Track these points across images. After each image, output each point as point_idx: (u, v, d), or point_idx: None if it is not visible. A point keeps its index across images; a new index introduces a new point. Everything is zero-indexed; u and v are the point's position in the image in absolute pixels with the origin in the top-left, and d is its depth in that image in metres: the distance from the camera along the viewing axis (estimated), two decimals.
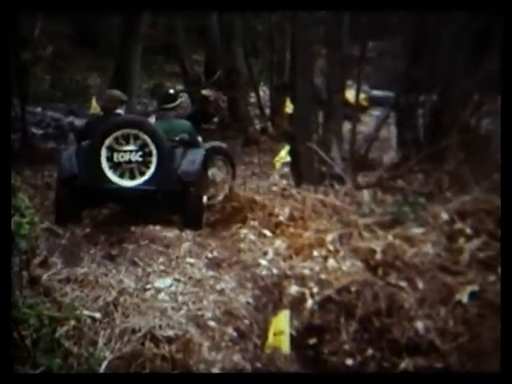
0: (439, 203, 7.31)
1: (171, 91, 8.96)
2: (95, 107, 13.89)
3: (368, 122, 12.99)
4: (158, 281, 6.36)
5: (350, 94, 10.52)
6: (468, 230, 6.42)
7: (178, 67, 16.84)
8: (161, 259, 6.84)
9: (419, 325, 5.42)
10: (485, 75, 9.91)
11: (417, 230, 6.62)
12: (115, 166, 7.65)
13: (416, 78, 10.58)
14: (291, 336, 5.42)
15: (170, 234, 7.61)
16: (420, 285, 5.77)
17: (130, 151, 7.66)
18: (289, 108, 11.79)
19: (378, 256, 6.18)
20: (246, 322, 5.78)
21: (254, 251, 7.02)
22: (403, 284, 5.80)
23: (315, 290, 5.85)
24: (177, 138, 8.03)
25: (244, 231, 7.51)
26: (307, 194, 7.81)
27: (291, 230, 7.31)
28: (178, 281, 6.38)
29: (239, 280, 6.43)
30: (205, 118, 14.68)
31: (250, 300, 6.07)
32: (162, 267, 6.68)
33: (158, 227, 7.69)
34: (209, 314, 5.78)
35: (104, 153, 7.62)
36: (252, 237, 7.37)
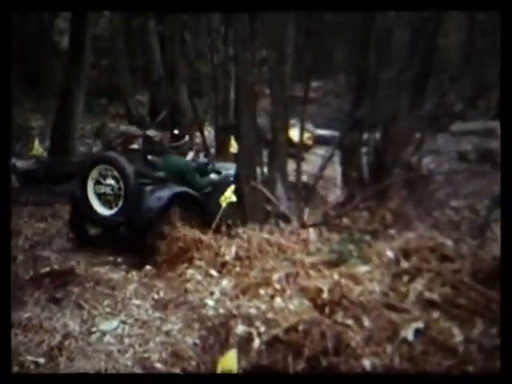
0: (384, 241, 7.37)
1: (176, 131, 9.77)
2: (37, 149, 13.78)
3: (313, 161, 13.11)
4: (104, 323, 6.29)
5: (294, 134, 10.62)
6: (412, 268, 6.47)
7: (122, 108, 16.82)
8: (106, 301, 6.79)
9: (366, 363, 5.42)
10: (424, 114, 10.15)
11: (362, 269, 6.64)
12: (98, 197, 8.80)
13: (359, 117, 10.75)
14: None
15: (116, 275, 7.58)
16: (366, 323, 5.78)
17: (106, 185, 8.77)
18: (233, 148, 11.86)
19: (325, 295, 6.17)
20: (193, 362, 5.74)
21: (201, 291, 6.98)
22: (350, 322, 5.80)
23: (262, 329, 5.81)
24: (156, 175, 8.99)
25: (190, 271, 7.48)
26: (253, 234, 7.80)
27: (237, 269, 7.29)
28: (125, 323, 6.33)
29: (186, 321, 6.40)
30: None
31: (197, 341, 6.03)
32: (107, 309, 6.62)
33: (103, 269, 7.65)
34: (155, 356, 5.74)
35: (90, 185, 8.80)
36: (198, 277, 7.34)
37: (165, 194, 8.72)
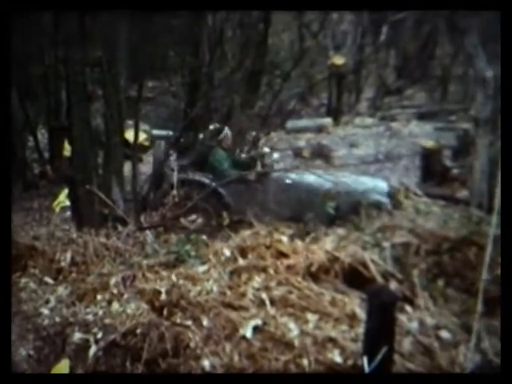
0: (221, 240, 7.41)
1: (212, 126, 10.46)
2: None
3: (150, 162, 12.99)
4: None
5: (130, 135, 10.50)
6: (249, 265, 6.54)
7: None
8: None
9: (205, 363, 5.43)
10: (258, 112, 10.33)
11: (200, 268, 6.65)
12: None
13: (194, 117, 10.79)
14: None
15: None
16: (205, 322, 5.79)
17: None
18: (67, 151, 11.59)
19: (163, 296, 6.14)
20: None
21: (35, 300, 6.76)
22: (189, 323, 5.79)
23: (99, 335, 5.72)
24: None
25: (24, 280, 7.23)
26: (89, 238, 7.64)
27: (74, 275, 7.12)
28: None
29: (19, 332, 6.17)
30: None
31: (32, 352, 5.84)
32: None
33: None
34: None
35: None
36: (33, 285, 7.11)
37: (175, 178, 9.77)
